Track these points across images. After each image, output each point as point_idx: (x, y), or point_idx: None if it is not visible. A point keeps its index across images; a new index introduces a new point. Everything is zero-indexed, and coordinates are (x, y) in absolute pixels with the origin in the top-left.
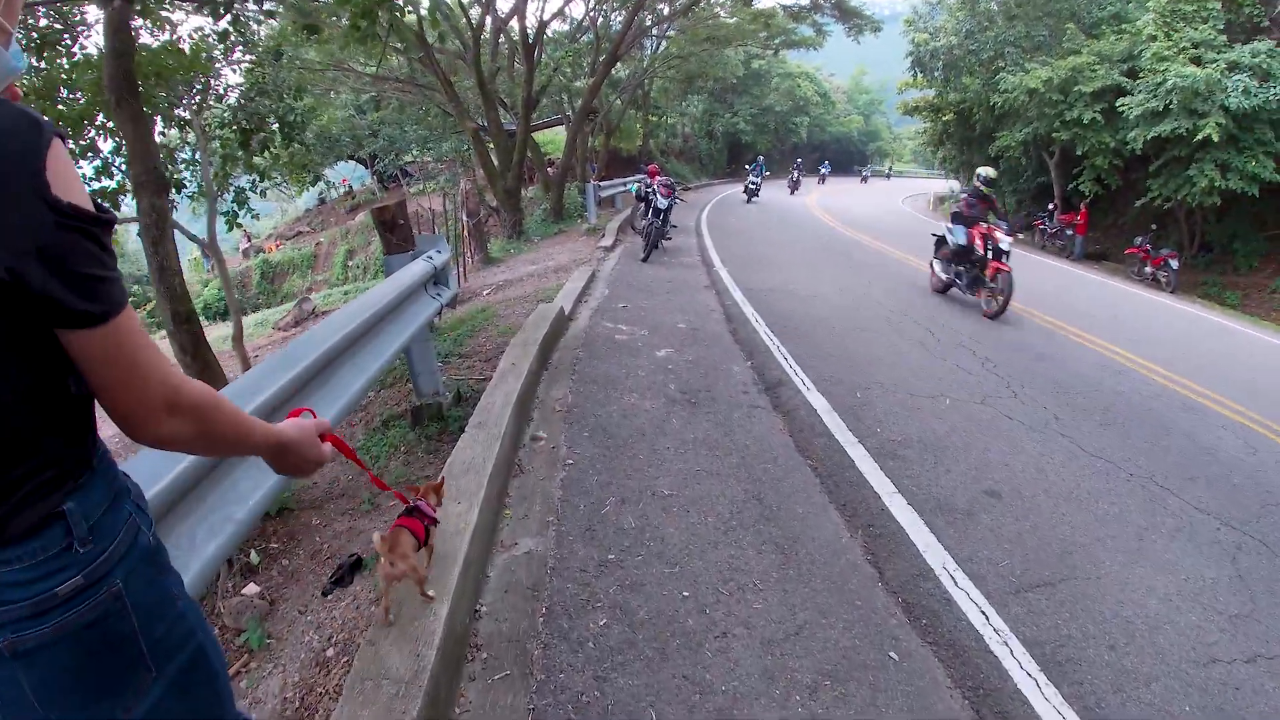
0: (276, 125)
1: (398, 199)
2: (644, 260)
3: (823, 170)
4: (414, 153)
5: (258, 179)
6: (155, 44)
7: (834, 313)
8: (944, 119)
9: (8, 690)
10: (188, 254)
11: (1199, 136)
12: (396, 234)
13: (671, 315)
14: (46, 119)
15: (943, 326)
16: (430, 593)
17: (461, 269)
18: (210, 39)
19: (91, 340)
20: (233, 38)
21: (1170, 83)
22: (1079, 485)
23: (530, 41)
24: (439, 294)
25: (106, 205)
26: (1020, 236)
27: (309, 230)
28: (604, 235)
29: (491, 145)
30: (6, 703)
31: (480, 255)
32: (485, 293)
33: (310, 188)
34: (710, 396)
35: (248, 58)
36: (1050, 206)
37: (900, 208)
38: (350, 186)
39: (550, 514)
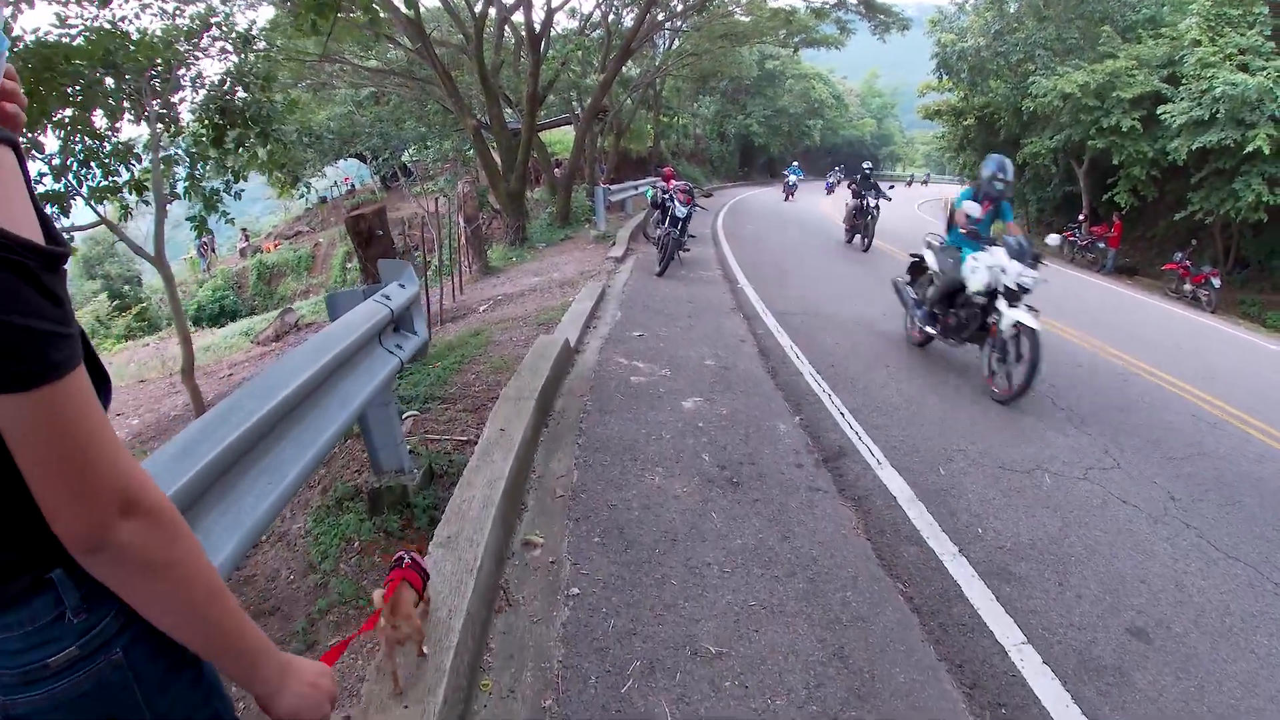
0: (251, 120)
1: (375, 206)
2: (660, 274)
3: (829, 179)
4: (412, 151)
5: (231, 180)
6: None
7: (885, 347)
8: (965, 123)
9: None
10: (184, 252)
11: (1248, 148)
12: (374, 248)
13: (696, 348)
14: None
15: None
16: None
17: (456, 281)
18: (183, 21)
19: (15, 409)
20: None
21: (1218, 90)
22: (1229, 608)
23: (536, 32)
24: (399, 345)
25: (61, 235)
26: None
27: (308, 230)
28: (614, 243)
29: (494, 144)
30: None
31: (479, 264)
32: (482, 308)
33: (292, 190)
34: (756, 472)
35: (218, 44)
36: (1080, 217)
37: (917, 214)
38: (353, 185)
39: (547, 690)
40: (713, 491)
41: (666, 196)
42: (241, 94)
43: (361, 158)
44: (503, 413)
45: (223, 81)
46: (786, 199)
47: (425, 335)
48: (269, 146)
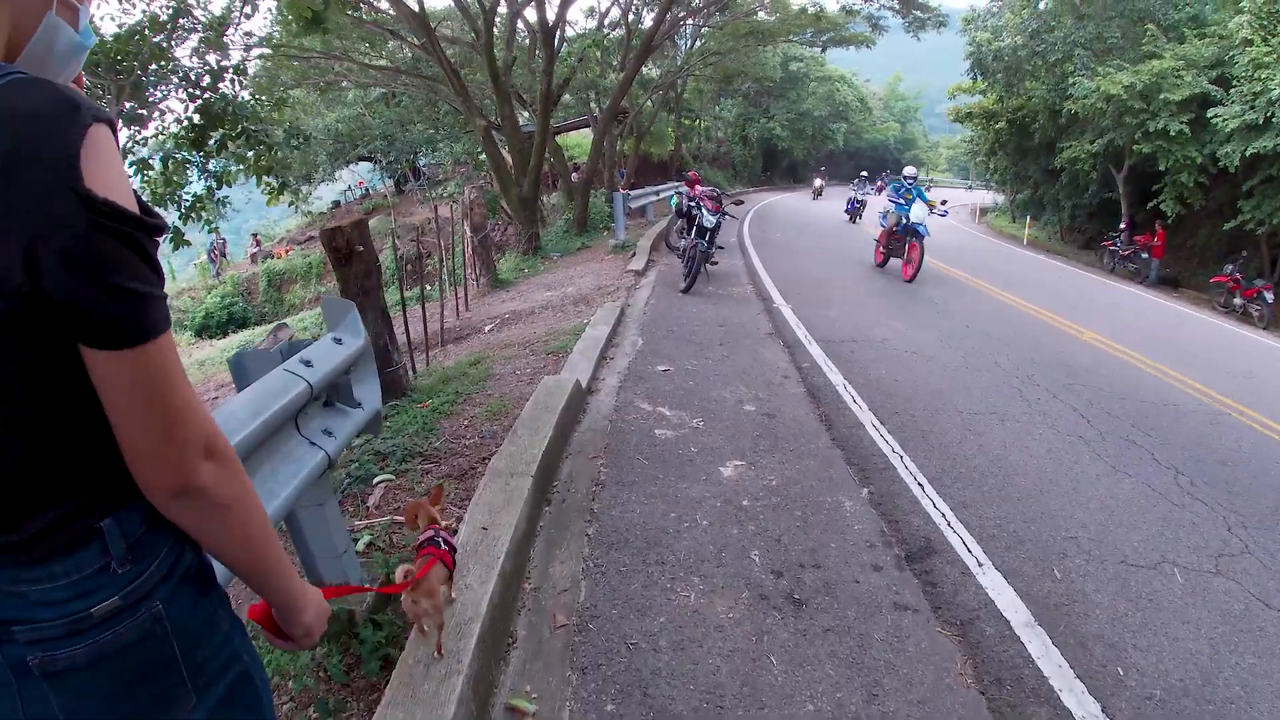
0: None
1: (354, 219)
2: (685, 291)
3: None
4: (422, 154)
5: (214, 185)
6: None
7: (950, 382)
8: (996, 126)
9: (37, 708)
10: (195, 257)
11: None
12: (354, 266)
13: (732, 386)
14: (91, 102)
15: (1093, 406)
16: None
17: (462, 295)
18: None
19: (118, 365)
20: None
21: (1275, 93)
22: None
23: (550, 25)
24: (329, 432)
25: (152, 208)
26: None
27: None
28: (634, 254)
29: (506, 147)
30: (38, 717)
31: (487, 277)
32: (488, 328)
33: (280, 197)
34: (823, 581)
35: (194, 36)
36: (1122, 226)
37: (943, 221)
38: (366, 189)
39: None
40: (769, 617)
41: (693, 204)
42: (224, 91)
43: (372, 160)
44: (487, 498)
45: (199, 78)
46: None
47: (376, 406)
48: (255, 150)
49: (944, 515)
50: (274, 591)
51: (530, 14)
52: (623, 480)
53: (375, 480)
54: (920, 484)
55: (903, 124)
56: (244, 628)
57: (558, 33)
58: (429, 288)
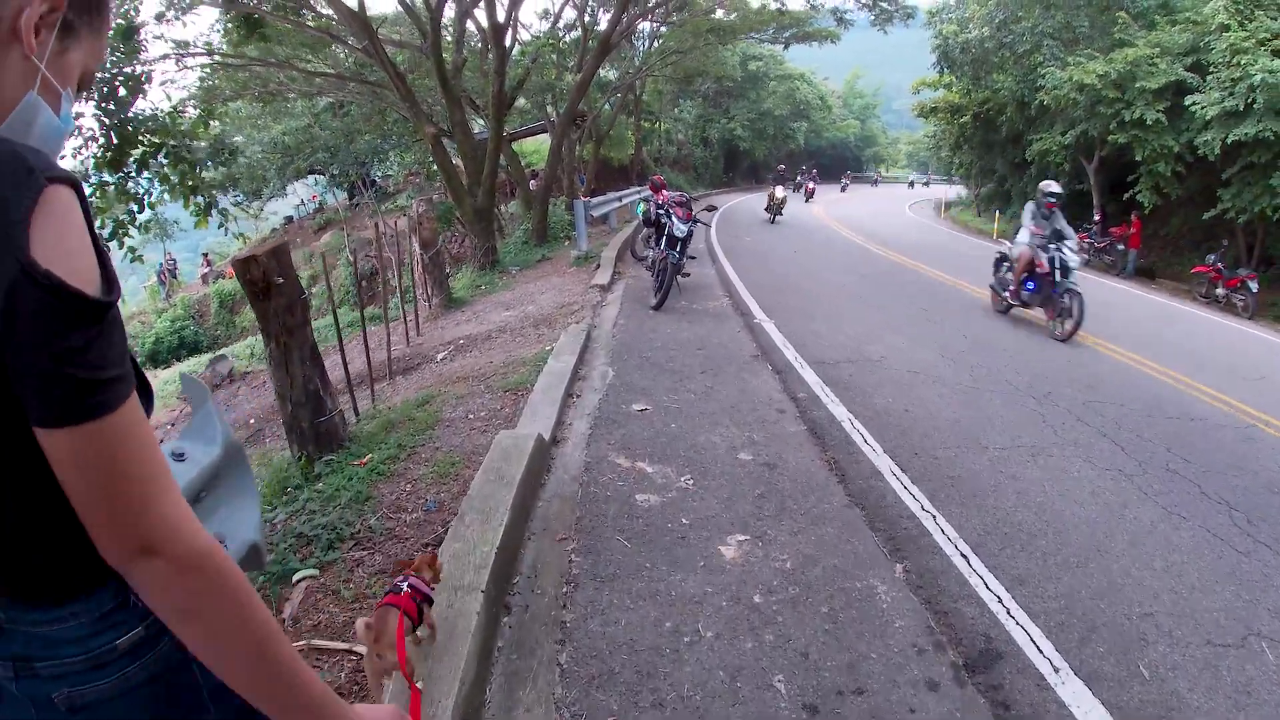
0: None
1: (271, 245)
2: (656, 308)
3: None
4: (371, 165)
5: (135, 210)
6: None
7: (965, 408)
8: (961, 120)
9: None
10: (144, 280)
11: None
12: (275, 300)
13: (721, 428)
14: (48, 162)
15: (1120, 429)
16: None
17: (413, 318)
18: None
19: (53, 443)
20: None
21: (1257, 78)
22: None
23: (500, 23)
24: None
25: (115, 273)
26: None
27: None
28: (598, 266)
29: (458, 155)
30: None
31: (440, 297)
32: (440, 356)
33: (208, 218)
34: (870, 716)
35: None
36: (1096, 218)
37: (914, 218)
38: (320, 203)
39: None
40: None
41: (661, 212)
42: (144, 105)
43: (319, 173)
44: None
45: (112, 91)
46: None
47: (250, 538)
48: (180, 168)
49: (1000, 599)
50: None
51: (481, 14)
52: (600, 574)
53: (295, 578)
54: (964, 555)
55: (862, 121)
56: None
57: (509, 31)
58: (377, 309)
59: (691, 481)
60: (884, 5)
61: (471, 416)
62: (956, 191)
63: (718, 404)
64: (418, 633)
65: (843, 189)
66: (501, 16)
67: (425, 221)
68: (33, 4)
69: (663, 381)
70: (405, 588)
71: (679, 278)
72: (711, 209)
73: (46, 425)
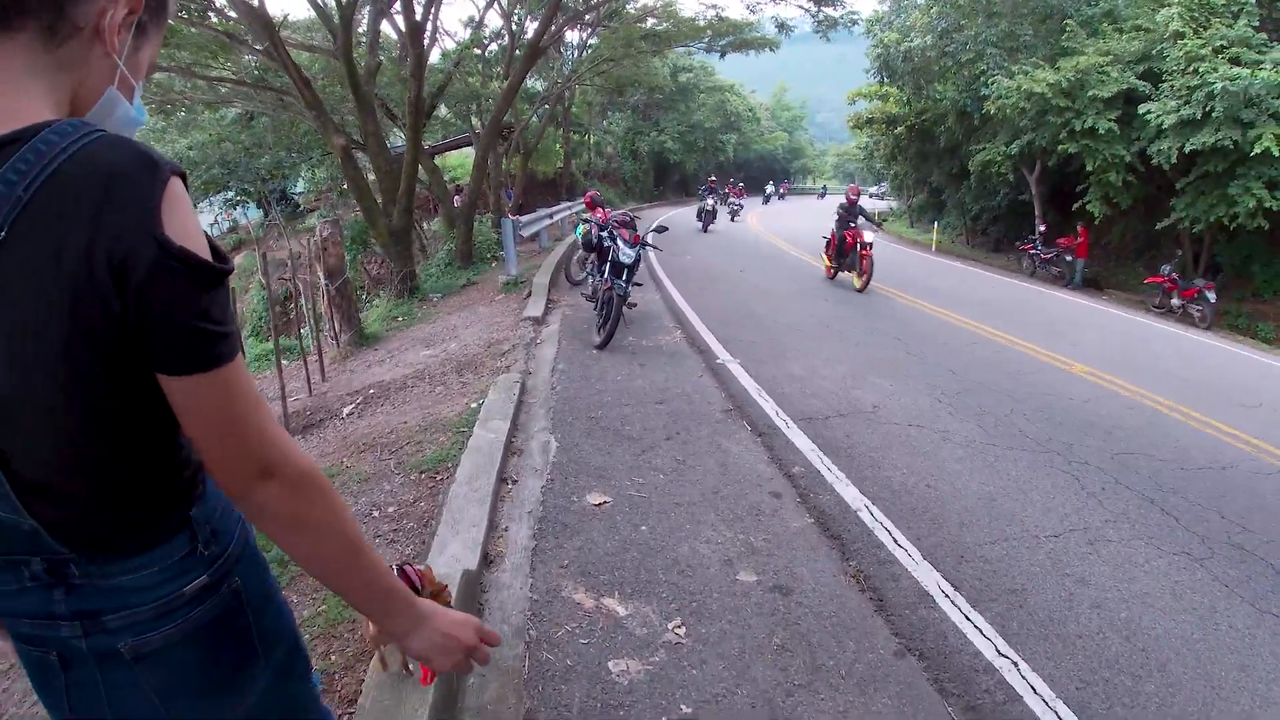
0: None
1: None
2: (601, 347)
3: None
4: (275, 181)
5: None
6: None
7: (991, 477)
8: (896, 132)
9: (126, 695)
10: None
11: (1254, 150)
12: None
13: (706, 528)
14: (166, 158)
15: (1163, 491)
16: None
17: (317, 360)
18: None
19: (184, 389)
20: None
21: (1218, 86)
22: None
23: (417, 20)
24: None
25: (224, 251)
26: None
27: None
28: (529, 294)
29: (371, 170)
30: (125, 706)
31: (350, 333)
32: (346, 410)
33: None
34: None
35: None
36: (1042, 229)
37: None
38: (234, 221)
39: None
40: None
41: (604, 235)
42: None
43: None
44: None
45: None
46: (733, 219)
47: None
48: None
49: None
50: (366, 608)
51: (400, 18)
52: None
53: None
54: None
55: (790, 133)
56: (288, 605)
57: (426, 28)
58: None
59: (683, 630)
60: (827, 11)
61: (377, 514)
62: (886, 204)
63: (696, 488)
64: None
65: (765, 200)
66: (419, 15)
67: (331, 246)
68: (115, 7)
69: (620, 454)
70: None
71: (625, 308)
72: (661, 229)
73: (182, 372)
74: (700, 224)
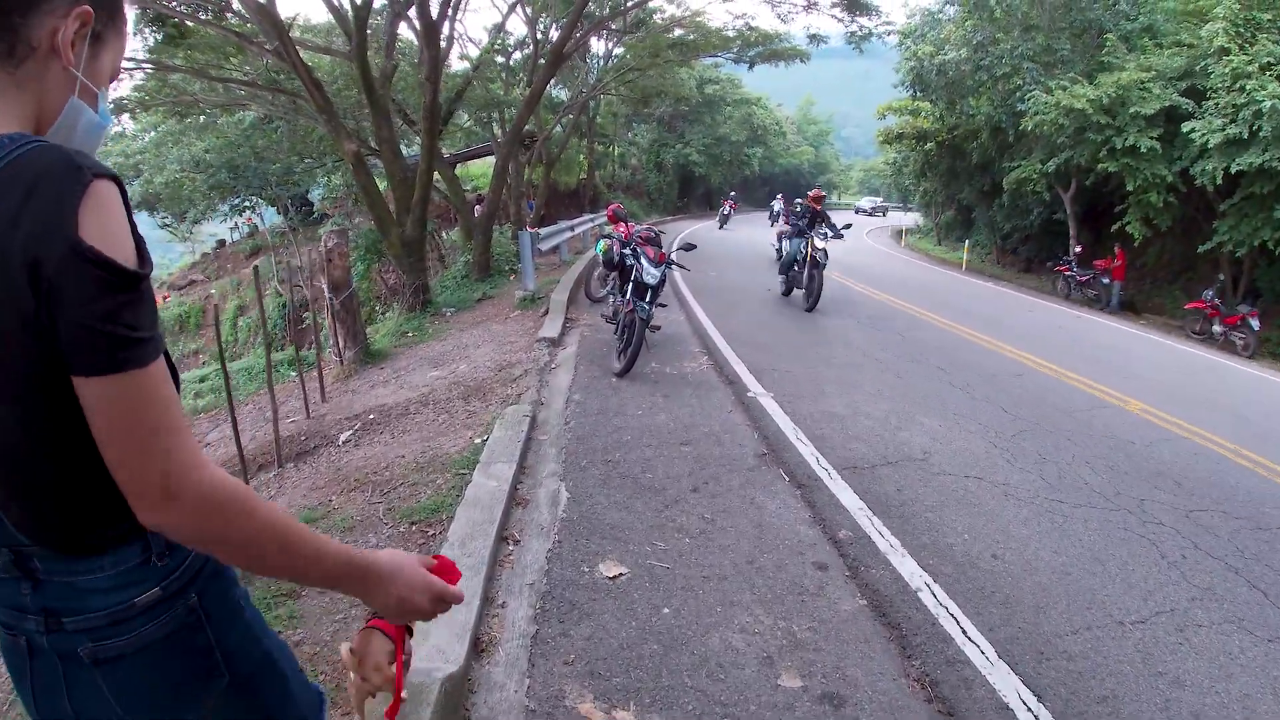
0: None
1: None
2: (621, 374)
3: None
4: (284, 188)
5: None
6: None
7: (1063, 545)
8: (926, 148)
9: (86, 693)
10: None
11: None
12: None
13: (742, 614)
14: (94, 162)
15: (1247, 558)
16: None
17: (319, 379)
18: None
19: (90, 391)
20: None
21: (1266, 105)
22: None
23: (433, 19)
24: None
25: (148, 255)
26: None
27: (202, 279)
28: (546, 312)
29: (386, 178)
30: (84, 703)
31: (355, 349)
32: (344, 437)
33: None
34: None
35: None
36: (1078, 250)
37: (875, 246)
38: (255, 225)
39: None
40: None
41: (627, 252)
42: None
43: (241, 195)
44: None
45: None
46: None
47: None
48: None
49: None
50: (319, 586)
51: (414, 14)
52: None
53: None
54: None
55: (816, 148)
56: (262, 617)
57: (443, 30)
58: (309, 350)
59: None
60: (862, 21)
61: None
62: (914, 219)
63: (727, 556)
64: (406, 650)
65: (722, 224)
66: (435, 13)
67: (337, 257)
68: (66, 24)
69: (640, 509)
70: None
71: (649, 331)
72: (689, 247)
73: (87, 373)
74: (717, 224)
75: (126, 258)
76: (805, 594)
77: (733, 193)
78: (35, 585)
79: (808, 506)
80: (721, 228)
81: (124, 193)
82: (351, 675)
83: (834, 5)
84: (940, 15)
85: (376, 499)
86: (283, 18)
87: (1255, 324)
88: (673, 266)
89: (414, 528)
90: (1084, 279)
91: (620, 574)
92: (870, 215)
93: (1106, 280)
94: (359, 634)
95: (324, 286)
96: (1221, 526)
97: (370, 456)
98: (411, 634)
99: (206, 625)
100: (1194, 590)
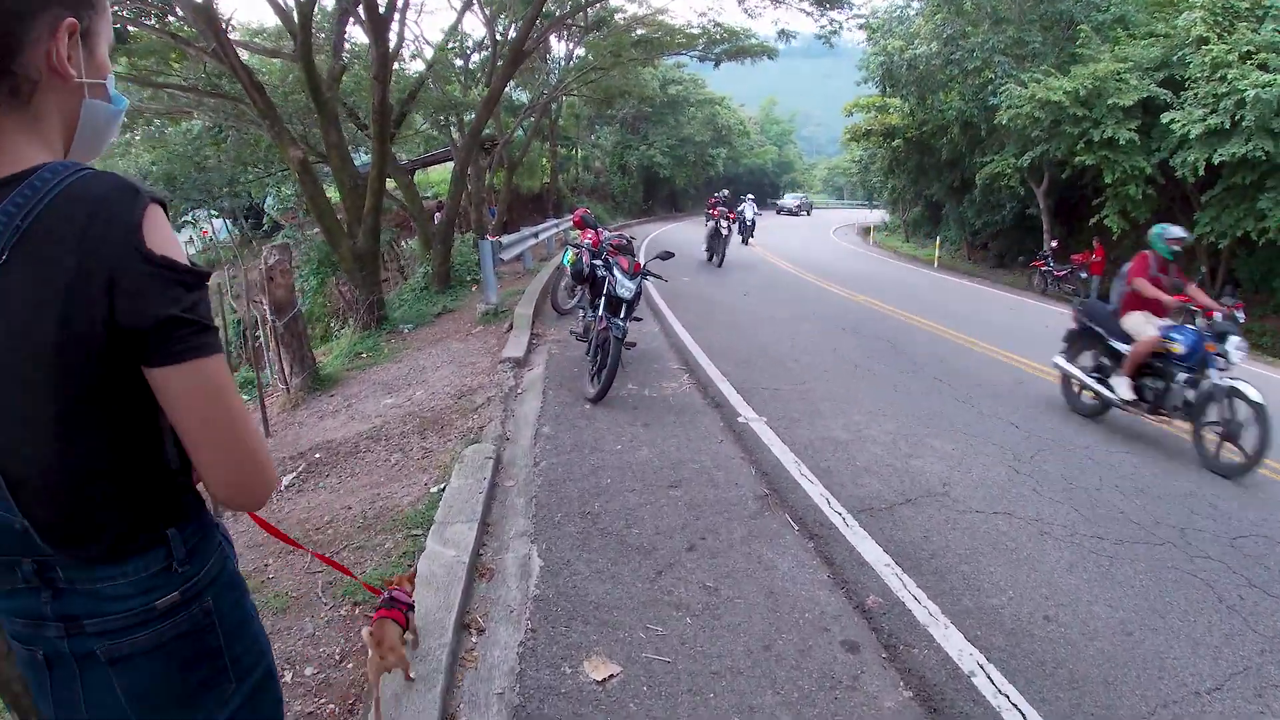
0: None
1: None
2: (595, 400)
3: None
4: (223, 198)
5: None
6: None
7: (1120, 598)
8: (894, 145)
9: (100, 696)
10: None
11: None
12: None
13: (764, 717)
14: (147, 187)
15: None
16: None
17: (273, 404)
18: None
19: (176, 378)
20: None
21: (1249, 94)
22: None
23: (380, 12)
24: None
25: (199, 264)
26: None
27: None
28: (510, 327)
29: (335, 186)
30: (97, 706)
31: (302, 375)
32: (286, 481)
33: None
34: None
35: None
36: (1053, 244)
37: (844, 245)
38: (211, 238)
39: None
40: None
41: (598, 264)
42: None
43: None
44: None
45: None
46: (745, 243)
47: None
48: None
49: None
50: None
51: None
52: None
53: None
54: None
55: (779, 147)
56: (268, 637)
57: (394, 22)
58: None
59: None
60: (833, 16)
61: (289, 675)
62: (880, 215)
63: (738, 640)
64: (405, 636)
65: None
66: (382, 6)
67: (279, 275)
68: (56, 42)
69: (628, 578)
70: (393, 599)
71: (624, 349)
72: (666, 255)
73: (177, 360)
74: (706, 255)
75: (186, 264)
76: (839, 687)
77: (724, 191)
78: (55, 594)
79: (825, 564)
80: (745, 243)
81: (168, 212)
82: (370, 653)
83: None
84: (908, 9)
85: (316, 567)
86: (220, 17)
87: (1240, 317)
88: (648, 277)
89: (357, 610)
90: (1061, 274)
91: (610, 675)
92: (794, 214)
93: (1084, 275)
94: (375, 621)
95: (265, 307)
96: (1269, 555)
97: (314, 506)
98: (414, 610)
99: (219, 630)
100: (1262, 639)
